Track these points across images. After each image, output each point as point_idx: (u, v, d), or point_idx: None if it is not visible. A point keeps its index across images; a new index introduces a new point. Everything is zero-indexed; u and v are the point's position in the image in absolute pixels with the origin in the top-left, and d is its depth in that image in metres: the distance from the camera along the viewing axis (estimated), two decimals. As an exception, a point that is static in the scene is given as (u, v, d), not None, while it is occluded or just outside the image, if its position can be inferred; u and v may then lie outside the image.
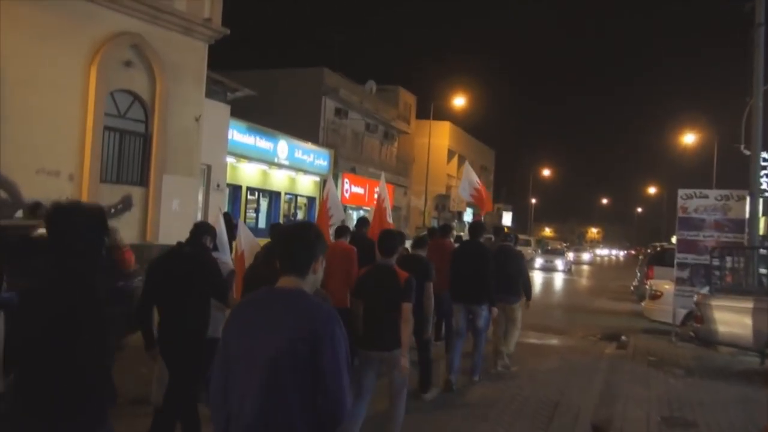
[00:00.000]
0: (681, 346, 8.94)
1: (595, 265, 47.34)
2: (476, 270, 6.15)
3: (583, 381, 6.63)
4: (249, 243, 6.37)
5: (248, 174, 21.05)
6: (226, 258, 5.45)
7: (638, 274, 14.82)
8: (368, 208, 30.57)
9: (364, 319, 4.32)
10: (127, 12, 11.59)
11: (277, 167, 22.13)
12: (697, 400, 6.11)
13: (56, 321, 2.20)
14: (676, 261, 9.53)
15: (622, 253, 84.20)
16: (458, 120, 44.74)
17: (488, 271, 6.15)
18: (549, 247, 35.13)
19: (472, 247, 6.55)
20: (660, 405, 5.85)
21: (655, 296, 10.68)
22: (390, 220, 8.58)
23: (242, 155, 19.97)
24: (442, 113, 40.86)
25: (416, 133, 37.97)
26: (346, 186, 26.62)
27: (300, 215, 25.89)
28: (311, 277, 2.23)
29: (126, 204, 11.88)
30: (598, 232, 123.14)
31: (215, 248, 4.91)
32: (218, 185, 15.64)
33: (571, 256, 38.99)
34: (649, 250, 15.15)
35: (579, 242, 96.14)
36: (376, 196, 8.12)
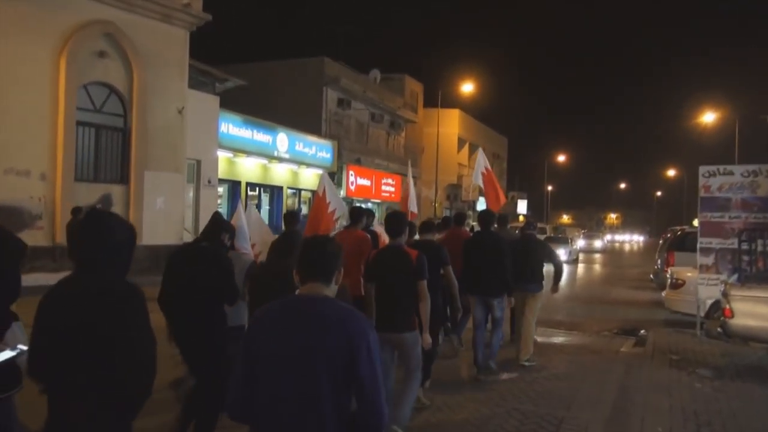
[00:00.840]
0: (707, 342, 8.00)
1: (613, 252, 45.98)
2: (491, 261, 6.01)
3: (594, 389, 5.75)
4: (261, 234, 6.14)
5: (247, 169, 20.35)
6: (247, 248, 5.31)
7: (658, 260, 13.80)
8: (377, 201, 29.80)
9: (377, 302, 4.28)
10: (98, -2, 10.89)
11: (278, 161, 21.41)
12: (728, 410, 5.21)
13: (75, 333, 2.12)
14: (699, 246, 8.55)
15: (642, 239, 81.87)
16: (468, 107, 43.71)
17: (504, 262, 6.02)
18: (551, 235, 33.65)
19: (484, 236, 6.36)
20: (685, 418, 4.97)
21: (677, 285, 9.72)
22: (414, 208, 8.86)
23: (239, 149, 19.28)
24: (451, 101, 39.86)
25: (424, 122, 37.02)
26: (351, 178, 25.82)
27: (304, 210, 25.17)
28: (333, 286, 2.21)
29: (105, 203, 11.20)
30: (617, 218, 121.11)
31: (233, 246, 4.82)
32: (209, 181, 14.93)
33: (580, 243, 37.29)
34: (668, 235, 14.10)
35: (597, 228, 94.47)
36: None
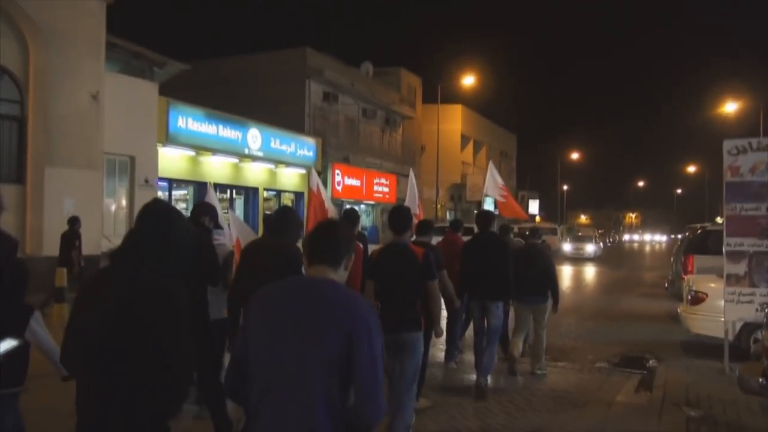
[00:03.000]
0: (737, 381, 5.72)
1: (630, 253, 43.29)
2: (490, 263, 5.75)
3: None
4: (244, 233, 6.23)
5: (214, 168, 18.38)
6: (224, 239, 5.26)
7: (673, 264, 11.46)
8: (370, 202, 27.71)
9: (381, 302, 4.05)
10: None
11: (251, 160, 19.43)
12: None
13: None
14: (726, 248, 6.33)
15: (664, 238, 77.14)
16: (472, 103, 41.55)
17: (505, 265, 5.75)
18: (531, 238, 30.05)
19: (483, 237, 6.06)
20: None
21: (697, 299, 7.49)
22: (416, 210, 8.40)
23: (203, 147, 17.34)
24: (453, 96, 37.72)
25: (425, 119, 34.87)
26: (338, 178, 23.75)
27: (287, 213, 23.20)
28: (342, 272, 2.09)
29: (-6, 207, 9.30)
30: (636, 217, 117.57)
31: (216, 227, 4.71)
32: (146, 180, 12.96)
33: (566, 248, 33.09)
34: (687, 233, 11.59)
35: (616, 228, 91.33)
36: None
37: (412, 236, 4.66)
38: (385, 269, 4.13)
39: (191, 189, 18.11)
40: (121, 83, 11.25)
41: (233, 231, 6.32)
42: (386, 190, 27.79)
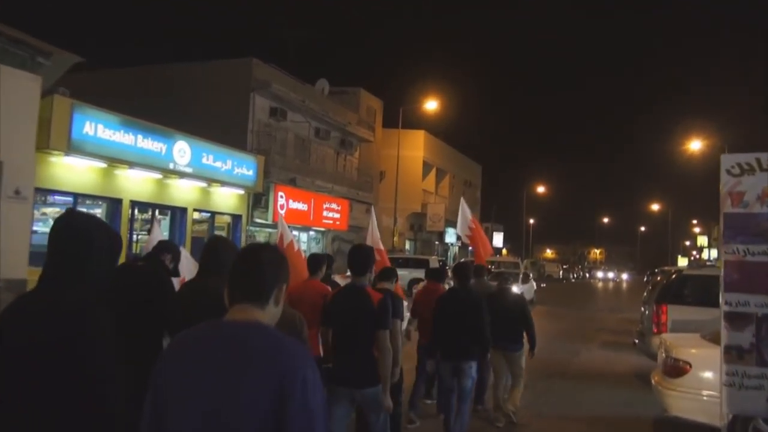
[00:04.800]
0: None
1: (590, 289, 42.03)
2: (464, 322, 5.34)
3: None
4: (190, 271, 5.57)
5: (132, 184, 16.15)
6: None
7: (644, 311, 9.68)
8: (318, 228, 25.68)
9: (333, 350, 3.85)
10: None
11: (177, 176, 17.26)
12: None
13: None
14: (724, 309, 4.48)
15: (625, 277, 74.04)
16: (436, 130, 40.13)
17: (479, 323, 5.33)
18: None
19: (459, 295, 5.59)
20: None
21: (677, 370, 5.65)
22: (379, 245, 7.85)
23: (117, 159, 15.14)
24: (417, 122, 36.29)
25: (385, 143, 33.24)
26: (281, 201, 21.68)
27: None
28: (272, 309, 1.73)
29: None
30: (600, 253, 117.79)
31: (176, 272, 4.29)
32: (18, 191, 10.65)
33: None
34: (658, 277, 9.73)
35: (580, 263, 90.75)
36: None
37: (371, 279, 4.16)
38: (340, 315, 3.84)
39: (105, 206, 15.82)
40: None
41: (183, 269, 5.66)
42: (337, 216, 25.81)
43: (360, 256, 3.99)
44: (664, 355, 5.95)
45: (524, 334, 6.53)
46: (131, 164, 15.64)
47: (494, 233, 52.92)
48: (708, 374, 5.45)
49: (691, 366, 5.54)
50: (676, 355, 5.72)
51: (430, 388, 6.82)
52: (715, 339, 5.93)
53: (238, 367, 1.55)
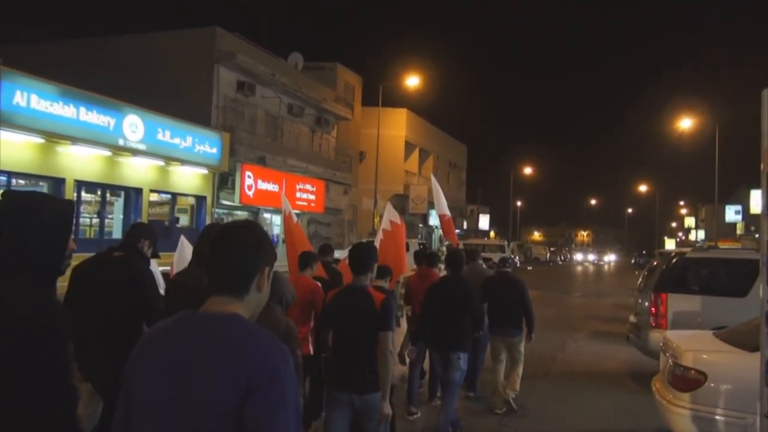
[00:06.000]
0: None
1: (568, 275, 41.07)
2: (454, 312, 5.21)
3: None
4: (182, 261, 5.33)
5: (77, 162, 14.69)
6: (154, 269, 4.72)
7: (639, 303, 8.38)
8: (295, 211, 24.26)
9: (333, 353, 3.70)
10: None
11: (130, 154, 15.79)
12: None
13: None
14: (766, 306, 3.20)
15: (608, 259, 70.27)
16: (420, 109, 38.73)
17: (470, 313, 5.24)
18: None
19: (450, 284, 5.43)
20: None
21: (689, 382, 4.40)
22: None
23: (57, 133, 13.68)
24: (399, 100, 34.81)
25: (365, 122, 31.77)
26: (249, 181, 20.26)
27: (185, 221, 19.54)
28: (253, 296, 1.58)
29: None
30: (587, 235, 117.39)
31: (155, 255, 4.05)
32: None
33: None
34: (655, 261, 8.40)
35: (567, 245, 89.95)
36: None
37: (372, 277, 3.83)
38: (340, 317, 3.65)
39: (45, 186, 14.33)
40: None
41: (175, 259, 5.49)
42: (312, 197, 24.44)
43: (361, 256, 3.78)
44: (670, 361, 4.70)
45: (523, 319, 6.39)
46: (74, 140, 14.17)
47: (480, 215, 51.79)
48: (728, 387, 4.23)
49: (706, 377, 4.29)
50: (685, 362, 4.47)
51: (433, 387, 6.60)
52: (732, 338, 4.70)
53: (205, 362, 1.42)
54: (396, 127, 34.66)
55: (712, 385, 4.27)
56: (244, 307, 1.54)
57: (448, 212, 9.20)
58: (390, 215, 7.58)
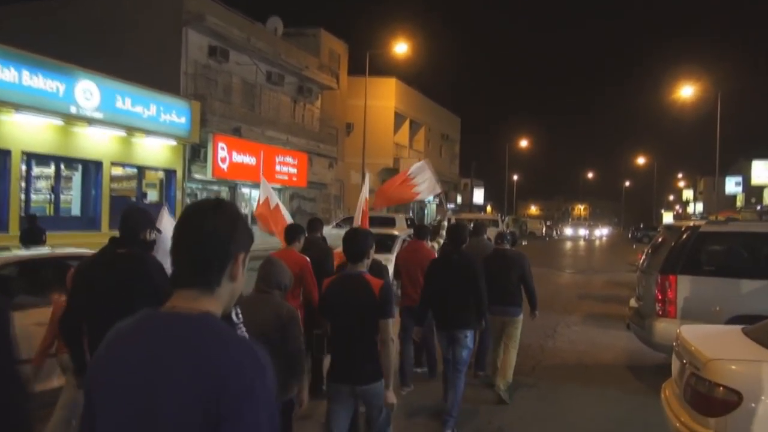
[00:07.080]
0: None
1: (564, 249, 40.03)
2: (458, 288, 4.97)
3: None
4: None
5: (24, 132, 13.38)
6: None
7: (640, 287, 7.17)
8: (276, 185, 22.94)
9: (332, 343, 3.60)
10: None
11: (85, 123, 14.46)
12: None
13: None
14: None
15: (599, 234, 66.33)
16: (411, 79, 37.17)
17: (474, 289, 4.97)
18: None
19: (454, 260, 5.15)
20: None
21: (716, 404, 3.22)
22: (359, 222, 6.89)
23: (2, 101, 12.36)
24: (388, 69, 33.27)
25: (352, 93, 30.31)
26: (222, 153, 18.95)
27: (153, 197, 18.24)
28: (226, 287, 1.35)
29: None
30: (584, 209, 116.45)
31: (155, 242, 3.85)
32: None
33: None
34: (660, 237, 7.15)
35: (564, 219, 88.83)
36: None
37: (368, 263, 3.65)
38: (338, 307, 3.52)
39: (-11, 159, 13.03)
40: None
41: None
42: (294, 171, 23.13)
43: (355, 243, 3.65)
44: (688, 371, 3.52)
45: (521, 299, 6.04)
46: (17, 107, 12.85)
47: (474, 189, 50.60)
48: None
49: (740, 398, 3.12)
50: (711, 376, 3.29)
51: (419, 356, 6.49)
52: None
53: (167, 378, 1.22)
54: (385, 97, 33.18)
55: (749, 407, 3.10)
56: (216, 301, 1.34)
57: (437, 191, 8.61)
58: (366, 192, 7.41)
